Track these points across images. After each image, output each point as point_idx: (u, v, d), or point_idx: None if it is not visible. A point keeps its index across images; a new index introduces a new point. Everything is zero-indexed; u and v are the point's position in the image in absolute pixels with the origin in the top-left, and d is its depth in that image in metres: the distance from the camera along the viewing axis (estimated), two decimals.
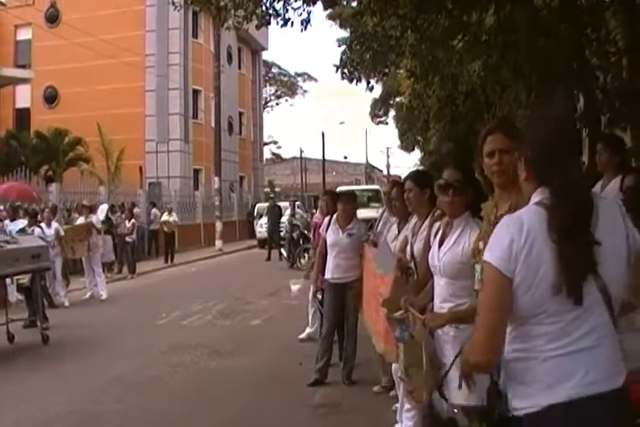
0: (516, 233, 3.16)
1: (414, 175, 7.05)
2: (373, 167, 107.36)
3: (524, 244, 3.13)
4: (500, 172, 4.22)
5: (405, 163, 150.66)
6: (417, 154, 64.76)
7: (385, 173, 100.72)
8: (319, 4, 17.85)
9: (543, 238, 3.13)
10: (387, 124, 63.75)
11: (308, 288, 12.20)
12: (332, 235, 10.10)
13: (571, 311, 3.14)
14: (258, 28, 16.94)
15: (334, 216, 10.29)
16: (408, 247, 6.82)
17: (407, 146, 56.52)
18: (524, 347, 3.23)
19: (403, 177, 9.31)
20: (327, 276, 10.22)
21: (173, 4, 17.76)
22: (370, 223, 11.90)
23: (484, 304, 3.25)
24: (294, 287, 18.01)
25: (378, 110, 58.86)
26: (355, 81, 22.46)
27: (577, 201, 3.19)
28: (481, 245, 4.28)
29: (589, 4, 14.80)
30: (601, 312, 3.18)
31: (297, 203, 34.16)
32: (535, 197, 3.29)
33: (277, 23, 16.13)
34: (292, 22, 15.88)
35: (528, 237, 3.14)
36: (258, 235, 39.81)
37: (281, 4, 15.76)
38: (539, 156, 3.31)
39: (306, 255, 23.08)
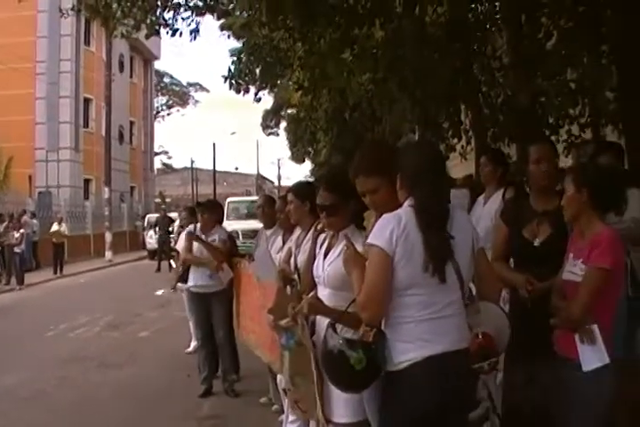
0: (396, 224, 4.09)
1: (295, 187, 7.11)
2: (264, 178, 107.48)
3: (402, 232, 4.06)
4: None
5: (297, 174, 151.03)
6: (308, 165, 65.08)
7: (276, 184, 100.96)
8: (214, 14, 17.95)
9: (415, 230, 4.09)
10: (278, 135, 64.01)
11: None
12: (196, 243, 10.16)
13: (435, 286, 4.09)
14: (147, 37, 16.79)
15: (197, 226, 10.38)
16: (292, 259, 6.89)
17: (298, 157, 56.85)
18: (403, 314, 4.11)
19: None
20: (190, 284, 10.30)
21: (61, 11, 17.58)
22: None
23: (370, 276, 4.12)
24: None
25: (269, 121, 58.97)
26: (243, 92, 22.47)
27: (434, 207, 4.18)
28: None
29: (477, 20, 15.13)
30: (456, 289, 4.18)
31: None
32: (407, 202, 4.23)
33: (167, 33, 16.12)
34: (181, 32, 15.88)
35: (405, 228, 4.08)
36: (148, 246, 39.44)
37: (171, 13, 15.76)
38: (410, 175, 4.29)
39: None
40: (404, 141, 18.55)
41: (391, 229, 4.08)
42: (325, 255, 5.33)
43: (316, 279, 5.38)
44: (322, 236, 5.61)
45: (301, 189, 6.83)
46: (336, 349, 4.13)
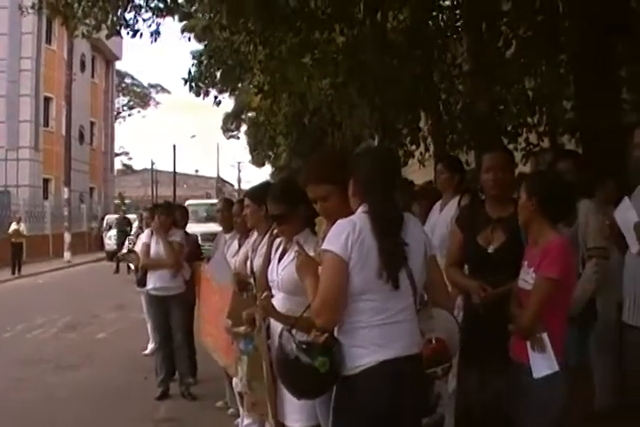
0: (351, 230, 4.09)
1: (251, 192, 7.14)
2: (225, 181, 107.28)
3: (357, 237, 4.07)
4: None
5: (257, 178, 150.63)
6: (268, 169, 65.01)
7: (236, 187, 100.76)
8: (176, 15, 17.94)
9: (369, 236, 4.09)
10: (238, 138, 63.91)
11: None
12: (154, 245, 10.17)
13: (389, 292, 4.10)
14: (108, 37, 16.79)
15: (154, 228, 10.35)
16: (248, 263, 6.90)
17: (258, 161, 56.80)
18: (357, 319, 4.12)
19: None
20: (149, 286, 10.24)
21: (21, 8, 17.51)
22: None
23: (324, 281, 4.12)
24: None
25: (230, 125, 58.87)
26: (202, 95, 22.42)
27: (388, 214, 4.20)
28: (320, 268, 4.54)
29: (437, 28, 15.22)
30: (409, 295, 4.20)
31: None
32: (361, 209, 4.24)
33: (127, 33, 16.10)
34: (142, 34, 15.86)
35: (360, 234, 4.08)
36: (107, 247, 38.89)
37: (132, 14, 15.74)
38: (363, 181, 4.31)
39: None
40: (362, 147, 18.57)
41: (346, 234, 4.07)
42: (280, 260, 5.35)
43: (271, 284, 5.40)
44: (277, 240, 5.61)
45: (257, 194, 6.78)
46: (293, 354, 4.13)
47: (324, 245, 4.17)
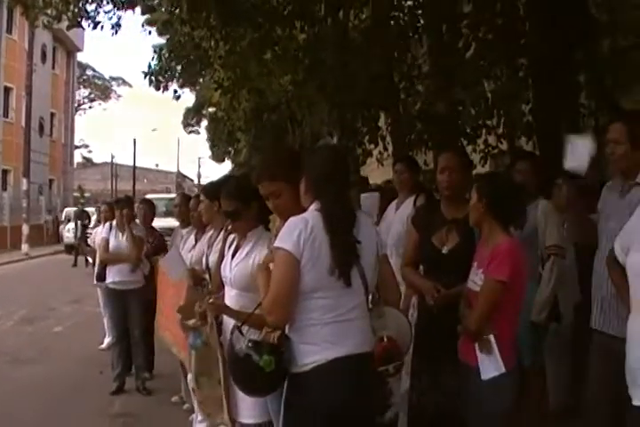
0: (303, 227, 4.09)
1: (206, 187, 7.19)
2: (185, 176, 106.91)
3: (309, 235, 4.07)
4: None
5: (217, 173, 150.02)
6: (228, 165, 64.78)
7: (196, 182, 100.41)
8: (139, 9, 17.91)
9: (322, 234, 4.10)
10: (199, 133, 63.62)
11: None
12: (113, 239, 10.20)
13: (341, 289, 4.11)
14: (68, 28, 16.77)
15: (114, 222, 10.37)
16: (203, 258, 6.92)
17: (218, 157, 56.60)
18: (309, 316, 4.12)
19: None
20: (108, 280, 10.21)
21: None
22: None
23: (276, 278, 4.12)
24: None
25: (190, 120, 58.64)
26: (162, 89, 22.34)
27: (340, 211, 4.22)
28: (272, 266, 4.56)
29: (398, 28, 15.27)
30: (361, 293, 4.23)
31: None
32: (314, 206, 4.26)
33: (88, 25, 16.03)
34: (103, 26, 15.81)
35: (312, 231, 4.08)
36: (65, 240, 38.50)
37: (93, 6, 15.67)
38: (315, 179, 4.33)
39: None
40: (318, 145, 18.63)
41: (298, 232, 4.07)
42: (233, 256, 5.36)
43: (224, 280, 5.42)
44: (231, 236, 5.63)
45: (212, 190, 6.85)
46: (242, 352, 4.14)
47: (276, 243, 4.16)
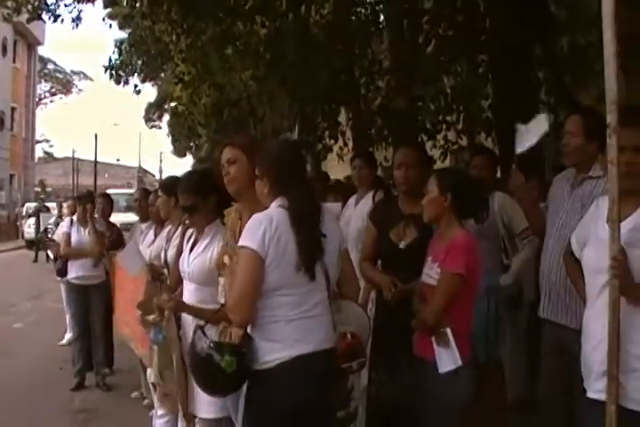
0: (268, 225, 4.06)
1: (163, 182, 7.20)
2: (146, 171, 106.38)
3: (274, 233, 4.04)
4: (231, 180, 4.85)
5: (178, 168, 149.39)
6: (190, 160, 64.49)
7: (157, 177, 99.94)
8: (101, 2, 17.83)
9: (287, 230, 4.08)
10: (160, 128, 63.11)
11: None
12: (76, 235, 10.15)
13: (306, 285, 4.12)
14: (28, 21, 16.67)
15: (74, 217, 10.34)
16: (162, 253, 6.93)
17: (180, 151, 56.35)
18: (273, 313, 4.10)
19: None
20: (70, 276, 10.18)
21: None
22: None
23: (241, 278, 4.08)
24: None
25: (152, 114, 58.19)
26: (123, 83, 22.25)
27: (305, 207, 4.21)
28: (226, 259, 4.58)
29: (359, 23, 15.30)
30: (323, 289, 4.22)
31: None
32: (277, 202, 4.24)
33: (49, 18, 15.94)
34: (63, 19, 15.72)
35: (277, 229, 4.06)
36: (26, 235, 38.24)
37: None
38: (279, 177, 4.29)
39: None
40: (274, 140, 18.69)
41: (263, 230, 4.04)
42: (191, 250, 5.35)
43: (182, 274, 5.40)
44: (189, 231, 5.63)
45: (169, 184, 6.86)
46: (204, 352, 4.13)
47: (241, 242, 4.13)
